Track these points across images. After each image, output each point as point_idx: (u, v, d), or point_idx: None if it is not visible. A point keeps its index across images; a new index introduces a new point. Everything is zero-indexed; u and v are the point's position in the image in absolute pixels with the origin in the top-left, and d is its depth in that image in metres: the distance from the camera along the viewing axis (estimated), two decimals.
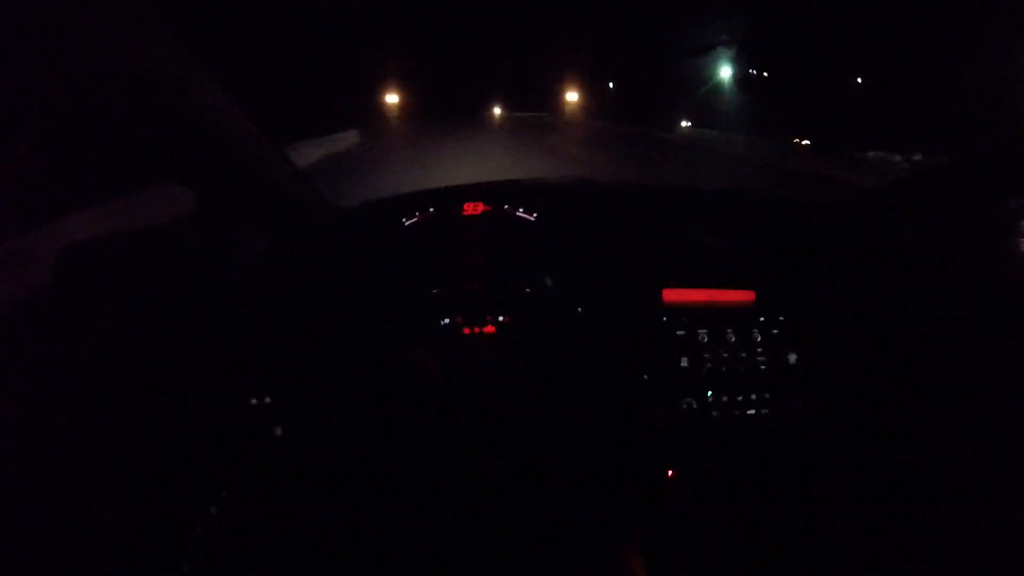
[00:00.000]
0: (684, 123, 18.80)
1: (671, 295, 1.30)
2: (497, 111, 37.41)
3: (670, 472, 1.28)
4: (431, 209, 1.30)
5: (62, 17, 0.66)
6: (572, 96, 35.08)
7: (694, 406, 1.26)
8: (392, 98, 28.75)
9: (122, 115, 0.86)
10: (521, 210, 1.33)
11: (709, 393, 1.27)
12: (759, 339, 1.30)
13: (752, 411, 1.28)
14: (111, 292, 1.03)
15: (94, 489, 0.98)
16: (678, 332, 1.27)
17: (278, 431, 1.17)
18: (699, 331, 1.28)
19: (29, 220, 1.33)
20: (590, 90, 34.65)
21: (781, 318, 1.32)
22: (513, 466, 1.27)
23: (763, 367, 1.29)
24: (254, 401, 1.16)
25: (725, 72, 18.35)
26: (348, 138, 13.77)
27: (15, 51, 0.70)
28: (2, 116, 0.85)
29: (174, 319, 1.11)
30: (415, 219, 1.29)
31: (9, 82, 0.74)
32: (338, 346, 1.20)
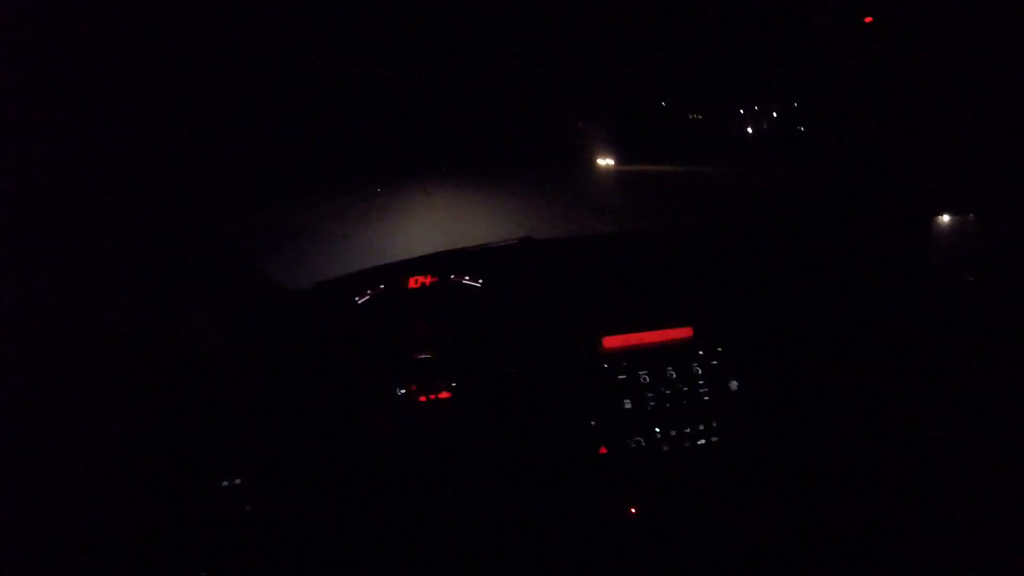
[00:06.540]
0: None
1: (611, 342, 1.38)
2: None
3: (632, 509, 1.33)
4: (381, 286, 1.41)
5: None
6: None
7: (643, 444, 1.33)
8: None
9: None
10: (467, 278, 1.44)
11: (656, 430, 1.33)
12: (700, 372, 1.37)
13: (702, 440, 1.34)
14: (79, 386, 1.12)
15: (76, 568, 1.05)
16: (619, 376, 1.35)
17: (249, 508, 1.24)
18: (639, 372, 1.36)
19: None
20: None
21: (719, 349, 1.39)
22: (477, 522, 1.32)
23: (706, 398, 1.36)
24: (225, 483, 1.24)
25: None
26: None
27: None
28: None
29: (143, 409, 1.20)
30: (366, 296, 1.40)
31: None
32: (300, 423, 1.29)
